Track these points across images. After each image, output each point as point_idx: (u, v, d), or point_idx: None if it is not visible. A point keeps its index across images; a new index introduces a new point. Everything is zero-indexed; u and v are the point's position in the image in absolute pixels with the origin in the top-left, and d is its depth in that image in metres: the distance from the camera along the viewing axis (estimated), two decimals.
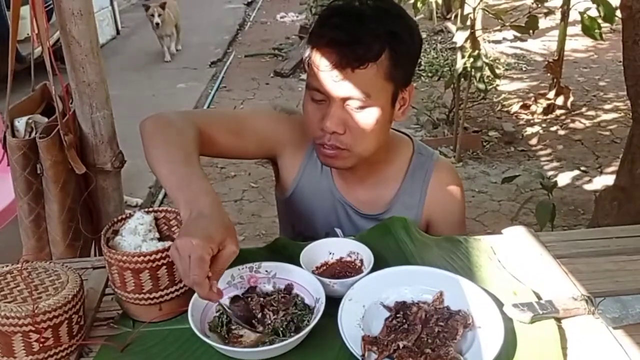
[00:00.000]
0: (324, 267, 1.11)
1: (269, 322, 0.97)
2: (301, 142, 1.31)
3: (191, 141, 1.09)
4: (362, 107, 1.13)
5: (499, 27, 4.17)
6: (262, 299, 1.01)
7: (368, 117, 1.14)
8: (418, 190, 1.31)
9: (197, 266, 0.85)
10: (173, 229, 1.09)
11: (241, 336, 0.96)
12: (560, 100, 4.64)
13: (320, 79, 1.12)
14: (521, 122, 4.61)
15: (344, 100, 1.12)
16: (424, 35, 6.72)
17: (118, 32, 7.42)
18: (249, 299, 1.01)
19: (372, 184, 1.31)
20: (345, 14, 1.12)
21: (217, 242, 0.87)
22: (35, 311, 0.88)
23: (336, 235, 1.31)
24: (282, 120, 1.31)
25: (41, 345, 0.90)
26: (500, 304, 0.98)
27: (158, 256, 0.96)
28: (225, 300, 1.01)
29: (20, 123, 1.30)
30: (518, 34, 3.77)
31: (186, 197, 0.95)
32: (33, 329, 0.89)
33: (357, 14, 1.11)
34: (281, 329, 0.94)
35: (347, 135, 1.15)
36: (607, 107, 4.84)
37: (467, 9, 3.74)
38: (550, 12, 3.99)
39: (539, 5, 3.84)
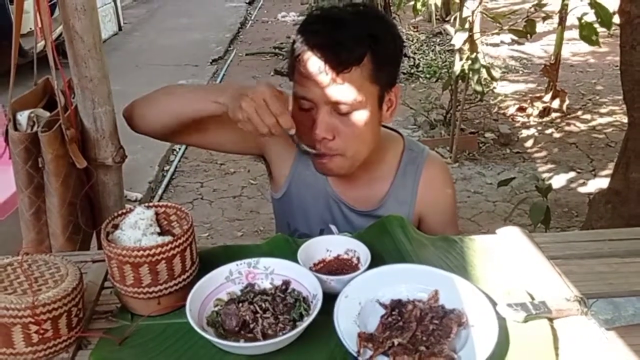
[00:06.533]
0: (322, 264, 1.12)
1: (261, 327, 0.95)
2: (289, 141, 1.32)
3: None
4: (349, 112, 1.15)
5: (497, 31, 4.19)
6: (252, 306, 0.98)
7: (356, 121, 1.16)
8: (410, 186, 1.32)
9: (276, 101, 1.04)
10: (173, 224, 1.10)
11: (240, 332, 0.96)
12: (556, 104, 4.67)
13: (306, 86, 1.14)
14: (517, 125, 4.64)
15: (331, 105, 1.14)
16: (422, 37, 6.75)
17: (120, 28, 7.42)
18: (240, 304, 0.98)
19: (364, 182, 1.32)
20: (325, 20, 1.15)
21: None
22: (35, 303, 0.89)
23: (331, 232, 1.32)
24: None
25: (40, 336, 0.91)
26: (494, 304, 0.99)
27: (157, 250, 0.96)
28: (223, 296, 1.02)
29: (23, 117, 1.31)
30: (516, 38, 3.79)
31: (218, 91, 1.15)
32: (32, 320, 0.89)
33: (337, 19, 1.13)
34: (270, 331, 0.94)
35: (337, 141, 1.17)
36: (602, 110, 4.86)
37: (466, 12, 3.76)
38: (547, 16, 4.01)
39: (537, 10, 3.86)
